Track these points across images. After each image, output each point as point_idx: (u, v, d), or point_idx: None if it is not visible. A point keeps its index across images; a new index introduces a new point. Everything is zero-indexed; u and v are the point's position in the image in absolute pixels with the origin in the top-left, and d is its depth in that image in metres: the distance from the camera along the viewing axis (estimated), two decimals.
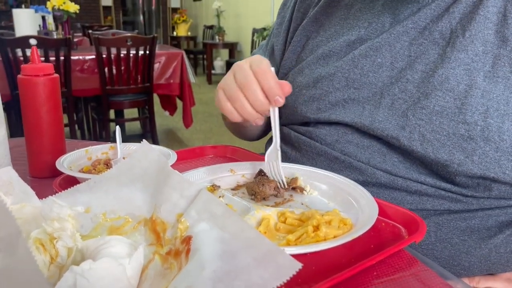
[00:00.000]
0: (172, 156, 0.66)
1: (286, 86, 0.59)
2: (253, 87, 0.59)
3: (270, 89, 0.58)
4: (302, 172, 0.63)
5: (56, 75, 0.69)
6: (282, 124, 0.80)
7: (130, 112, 4.10)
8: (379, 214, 0.50)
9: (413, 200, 0.64)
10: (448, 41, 0.63)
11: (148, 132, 3.44)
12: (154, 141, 3.33)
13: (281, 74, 0.85)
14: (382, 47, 0.68)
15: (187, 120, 3.39)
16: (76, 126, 3.24)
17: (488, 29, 0.60)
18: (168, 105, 3.54)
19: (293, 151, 0.77)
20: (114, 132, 0.71)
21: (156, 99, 3.36)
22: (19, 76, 0.67)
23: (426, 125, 0.61)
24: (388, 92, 0.66)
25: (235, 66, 0.63)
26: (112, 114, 3.47)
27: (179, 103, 3.42)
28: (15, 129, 2.93)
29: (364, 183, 0.64)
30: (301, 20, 0.84)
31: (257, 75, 0.59)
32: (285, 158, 0.77)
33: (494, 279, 0.64)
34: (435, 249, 0.63)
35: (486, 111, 0.58)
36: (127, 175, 0.47)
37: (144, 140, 0.49)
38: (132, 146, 0.72)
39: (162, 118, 4.10)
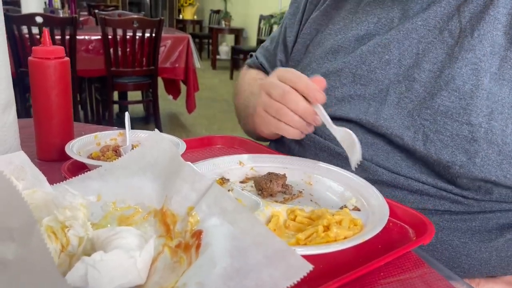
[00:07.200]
0: (181, 145, 0.65)
1: (322, 82, 0.59)
2: (292, 96, 0.58)
3: (307, 87, 0.58)
4: (320, 171, 0.63)
5: (67, 58, 0.68)
6: None
7: (134, 95, 4.09)
8: None
9: (414, 199, 0.64)
10: (457, 40, 0.63)
11: (151, 116, 3.43)
12: (157, 124, 3.32)
13: (289, 67, 0.84)
14: (390, 43, 0.68)
15: (190, 105, 3.38)
16: (79, 107, 3.22)
17: (497, 30, 0.60)
18: (172, 89, 3.53)
19: (296, 145, 0.77)
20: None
21: (160, 83, 3.35)
22: (30, 58, 0.66)
23: (430, 126, 0.61)
24: (395, 90, 0.66)
25: (265, 85, 0.62)
26: (116, 96, 3.46)
27: (183, 88, 3.40)
28: (19, 108, 2.91)
29: (366, 180, 0.64)
30: (312, 12, 0.84)
31: (289, 83, 0.59)
32: (289, 152, 0.77)
33: (495, 282, 0.64)
34: (436, 250, 0.63)
35: (490, 113, 0.58)
36: (138, 164, 0.47)
37: (156, 129, 0.48)
38: (141, 133, 0.71)
39: (165, 102, 4.08)
